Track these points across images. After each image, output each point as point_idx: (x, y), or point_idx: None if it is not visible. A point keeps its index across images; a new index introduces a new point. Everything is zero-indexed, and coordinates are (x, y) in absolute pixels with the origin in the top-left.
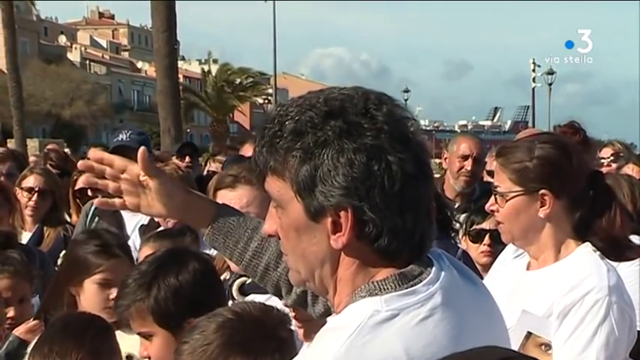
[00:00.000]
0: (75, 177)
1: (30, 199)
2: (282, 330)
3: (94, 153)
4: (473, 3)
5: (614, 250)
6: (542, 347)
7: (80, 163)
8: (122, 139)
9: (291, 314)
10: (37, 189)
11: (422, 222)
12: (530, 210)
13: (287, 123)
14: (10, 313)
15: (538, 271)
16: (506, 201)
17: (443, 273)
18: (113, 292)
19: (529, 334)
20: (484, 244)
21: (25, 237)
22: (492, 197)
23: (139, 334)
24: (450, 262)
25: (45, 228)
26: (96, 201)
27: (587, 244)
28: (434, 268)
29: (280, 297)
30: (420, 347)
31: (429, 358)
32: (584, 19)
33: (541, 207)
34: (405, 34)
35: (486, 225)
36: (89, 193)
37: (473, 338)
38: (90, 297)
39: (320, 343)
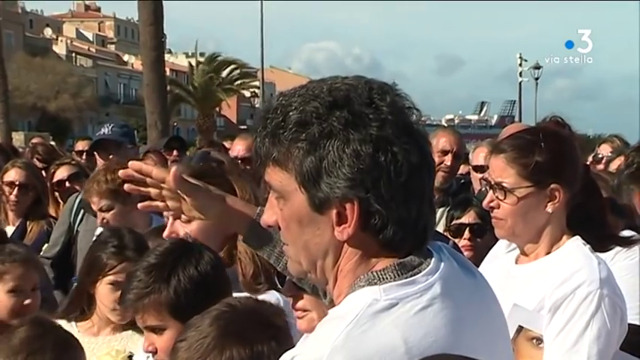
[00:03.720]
0: (53, 170)
1: (11, 193)
2: (277, 319)
3: (133, 164)
4: None
5: (603, 241)
6: (534, 341)
7: (122, 172)
8: (104, 132)
9: (290, 302)
10: (17, 183)
11: (425, 212)
12: (539, 205)
13: (291, 113)
14: (27, 301)
15: (528, 265)
16: (517, 197)
17: (442, 264)
18: None
19: (520, 327)
20: (464, 239)
21: (8, 231)
22: (490, 193)
23: (146, 327)
24: (450, 254)
25: (28, 222)
26: (140, 205)
27: (577, 237)
28: (433, 259)
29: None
30: (418, 337)
31: (427, 348)
32: (578, 12)
33: (549, 201)
34: (397, 29)
35: (466, 219)
36: (67, 185)
37: (471, 329)
38: (102, 297)
39: (319, 333)
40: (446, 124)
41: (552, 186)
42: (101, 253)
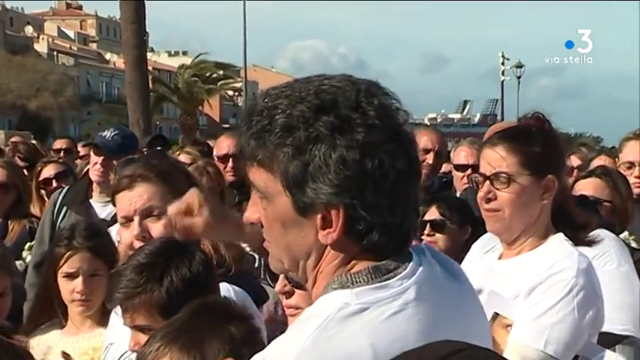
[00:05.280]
0: (39, 168)
1: None
2: (248, 310)
3: None
4: None
5: (579, 236)
6: (508, 329)
7: None
8: (106, 136)
9: (282, 299)
10: None
11: (409, 216)
12: (535, 195)
13: (277, 117)
14: None
15: (511, 260)
16: (520, 185)
17: (420, 268)
18: (77, 285)
19: (495, 314)
20: (426, 235)
21: None
22: (486, 184)
23: (134, 327)
24: (434, 257)
25: (9, 222)
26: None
27: (560, 233)
28: (411, 263)
29: None
30: (387, 343)
31: (394, 354)
32: (567, 12)
33: (544, 193)
34: (384, 27)
35: (428, 216)
36: (54, 183)
37: (446, 334)
38: (61, 290)
39: (289, 334)
40: (428, 123)
41: (549, 177)
42: (55, 246)
